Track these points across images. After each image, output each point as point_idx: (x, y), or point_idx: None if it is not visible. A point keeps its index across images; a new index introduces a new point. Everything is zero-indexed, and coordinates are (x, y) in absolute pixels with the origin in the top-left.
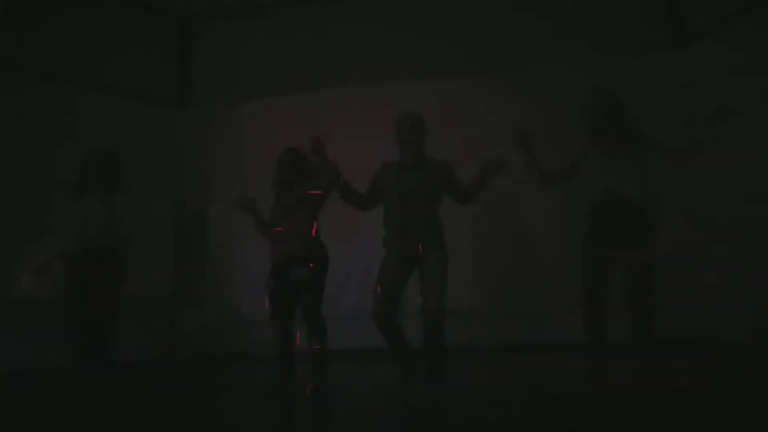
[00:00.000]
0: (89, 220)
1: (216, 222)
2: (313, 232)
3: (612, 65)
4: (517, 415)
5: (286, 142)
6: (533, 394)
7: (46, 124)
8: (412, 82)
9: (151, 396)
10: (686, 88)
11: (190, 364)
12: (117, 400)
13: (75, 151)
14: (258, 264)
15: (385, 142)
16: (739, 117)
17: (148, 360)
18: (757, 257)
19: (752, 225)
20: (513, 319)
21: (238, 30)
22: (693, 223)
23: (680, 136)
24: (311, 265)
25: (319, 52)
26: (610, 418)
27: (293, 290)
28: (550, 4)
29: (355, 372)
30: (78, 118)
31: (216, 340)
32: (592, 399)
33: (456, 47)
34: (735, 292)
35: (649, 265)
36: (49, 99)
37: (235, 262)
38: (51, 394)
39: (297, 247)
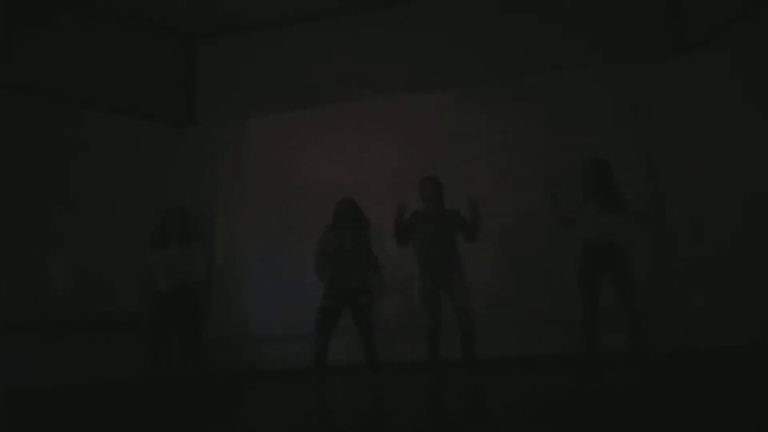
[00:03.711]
0: (171, 264)
1: (221, 238)
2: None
3: (613, 73)
4: (522, 416)
5: (289, 158)
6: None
7: (50, 142)
8: (414, 93)
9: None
10: (687, 95)
11: (197, 378)
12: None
13: (79, 170)
14: (263, 280)
15: (389, 154)
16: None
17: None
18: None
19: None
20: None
21: (240, 47)
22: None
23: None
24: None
25: (321, 67)
26: (608, 418)
27: (341, 310)
28: (549, 13)
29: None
30: (82, 136)
31: (222, 354)
32: (590, 400)
33: (455, 57)
34: (732, 303)
35: (628, 284)
36: (52, 117)
37: (240, 278)
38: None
39: (356, 278)
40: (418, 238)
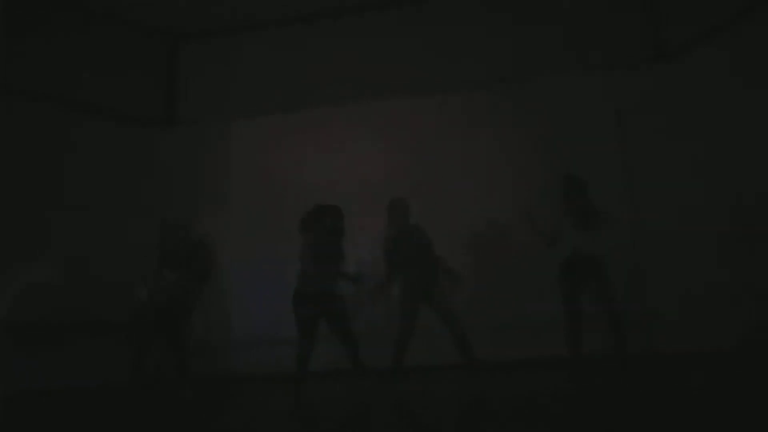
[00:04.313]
0: (167, 282)
1: (207, 239)
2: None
3: (601, 79)
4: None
5: (273, 160)
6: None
7: (38, 144)
8: (399, 98)
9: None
10: (668, 100)
11: (183, 383)
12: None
13: (65, 172)
14: (249, 283)
15: (373, 158)
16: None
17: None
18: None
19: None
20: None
21: (224, 49)
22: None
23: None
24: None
25: (306, 70)
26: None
27: (319, 315)
28: (534, 22)
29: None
30: (65, 137)
31: (204, 359)
32: (589, 401)
33: (439, 64)
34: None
35: (607, 291)
36: (35, 119)
37: (222, 282)
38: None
39: (333, 285)
40: (398, 257)
